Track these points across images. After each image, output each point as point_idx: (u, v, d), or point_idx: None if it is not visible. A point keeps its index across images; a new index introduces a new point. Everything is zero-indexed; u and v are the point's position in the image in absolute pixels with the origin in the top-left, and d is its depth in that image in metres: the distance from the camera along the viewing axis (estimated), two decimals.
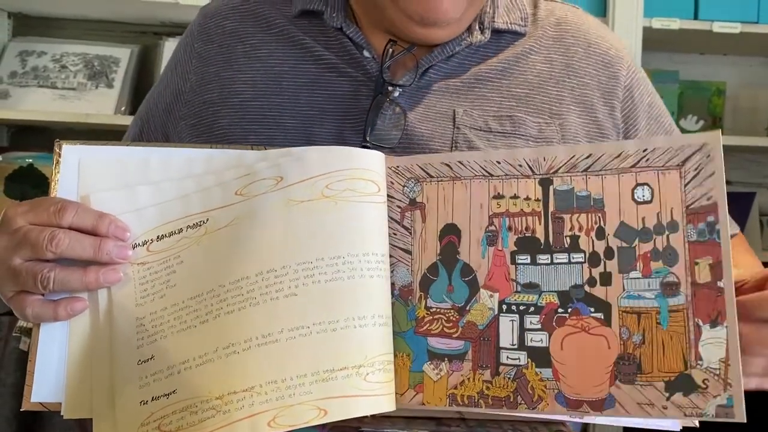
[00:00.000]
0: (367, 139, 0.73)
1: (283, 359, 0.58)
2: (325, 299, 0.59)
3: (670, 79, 2.08)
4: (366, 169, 0.64)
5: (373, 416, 0.61)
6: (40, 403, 0.61)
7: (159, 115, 0.86)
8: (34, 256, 0.61)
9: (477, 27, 0.79)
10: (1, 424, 1.51)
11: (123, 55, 1.93)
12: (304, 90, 0.77)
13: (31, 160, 1.85)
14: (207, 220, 0.63)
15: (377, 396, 0.58)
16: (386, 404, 0.59)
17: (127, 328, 0.61)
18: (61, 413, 0.61)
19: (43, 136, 1.93)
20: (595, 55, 0.82)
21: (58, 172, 0.65)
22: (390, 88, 0.75)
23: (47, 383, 0.61)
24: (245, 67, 0.80)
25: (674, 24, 1.85)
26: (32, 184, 1.82)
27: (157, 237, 0.63)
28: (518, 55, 0.80)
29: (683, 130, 2.09)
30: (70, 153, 0.65)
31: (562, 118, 0.78)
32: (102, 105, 1.85)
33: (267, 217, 0.62)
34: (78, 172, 0.65)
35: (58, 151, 0.66)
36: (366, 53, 0.77)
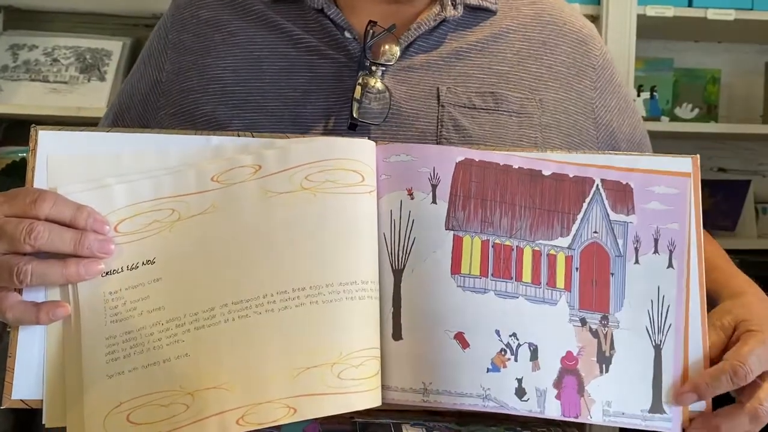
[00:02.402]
0: (354, 115, 0.73)
1: (255, 356, 0.58)
2: (300, 296, 0.59)
3: (664, 67, 2.07)
4: (349, 159, 0.63)
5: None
6: (21, 401, 0.60)
7: (135, 106, 0.85)
8: (11, 250, 0.59)
9: (449, 2, 0.80)
10: None
11: (115, 48, 1.91)
12: (284, 73, 0.77)
13: (23, 155, 1.84)
14: (180, 205, 0.62)
15: (351, 393, 0.58)
16: (363, 401, 0.58)
17: (96, 313, 0.60)
18: (43, 422, 0.60)
19: None
20: (570, 33, 0.84)
21: (34, 159, 0.63)
22: (373, 68, 0.76)
23: (28, 381, 0.60)
24: (224, 54, 0.80)
25: (668, 11, 1.85)
26: (25, 179, 1.81)
27: (126, 217, 0.62)
28: (496, 35, 0.81)
29: (678, 119, 2.09)
30: (47, 140, 0.63)
31: (541, 94, 0.80)
32: (94, 98, 1.84)
33: (243, 209, 0.61)
34: (47, 164, 0.63)
35: (34, 137, 0.63)
36: (347, 34, 0.78)
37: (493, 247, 0.65)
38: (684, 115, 2.09)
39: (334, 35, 0.78)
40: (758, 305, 0.71)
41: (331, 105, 0.76)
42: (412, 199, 0.65)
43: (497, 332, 0.63)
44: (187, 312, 0.60)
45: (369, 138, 0.72)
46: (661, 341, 0.66)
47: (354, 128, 0.73)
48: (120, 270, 0.61)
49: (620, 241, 0.67)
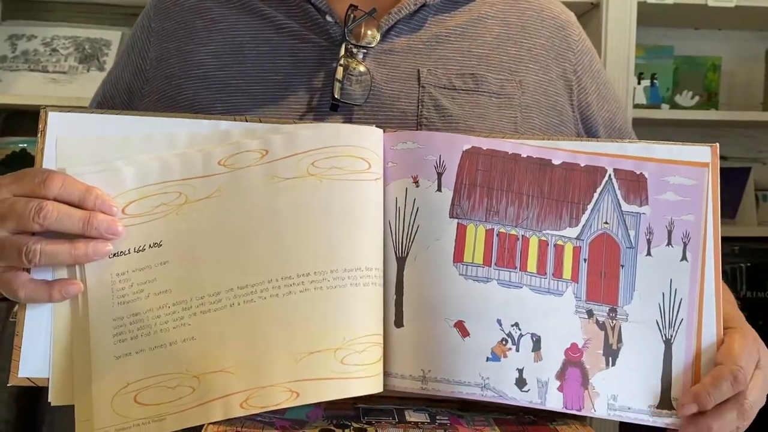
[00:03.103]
0: (336, 96, 0.73)
1: (259, 341, 0.58)
2: (304, 281, 0.59)
3: (665, 55, 2.07)
4: (355, 146, 0.63)
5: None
6: (28, 378, 0.61)
7: (120, 95, 0.86)
8: (20, 229, 0.59)
9: None
10: (1, 408, 1.51)
11: (114, 37, 1.91)
12: (267, 58, 0.78)
13: (23, 145, 1.84)
14: (187, 188, 0.62)
15: (354, 379, 0.58)
16: (365, 387, 0.59)
17: (104, 295, 0.61)
18: (48, 399, 0.60)
19: (35, 121, 1.91)
20: (548, 18, 0.85)
21: (44, 140, 0.63)
22: (354, 51, 0.77)
23: (35, 359, 0.61)
24: (206, 40, 0.80)
25: None
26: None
27: (134, 199, 0.62)
28: (474, 20, 0.82)
29: (678, 106, 2.08)
30: (57, 121, 0.64)
31: (521, 75, 0.80)
32: (94, 88, 1.80)
33: (249, 194, 0.62)
34: (56, 145, 0.63)
35: (44, 118, 0.64)
36: (329, 18, 0.79)
37: (497, 236, 0.64)
38: (684, 103, 2.09)
39: (316, 19, 0.79)
40: (729, 309, 0.70)
41: (313, 88, 0.76)
42: (417, 186, 0.65)
43: (498, 321, 0.63)
44: (194, 296, 0.60)
45: (351, 119, 0.73)
46: (671, 336, 0.64)
47: (336, 109, 0.74)
48: (127, 252, 0.62)
49: (632, 233, 0.65)
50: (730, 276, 1.83)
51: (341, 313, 0.60)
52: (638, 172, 0.66)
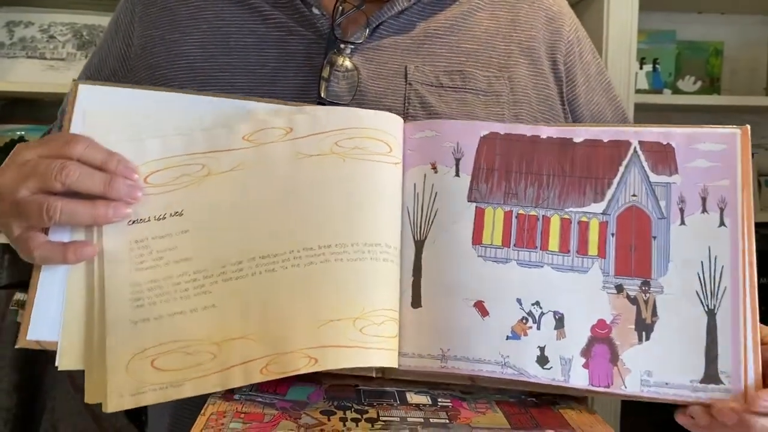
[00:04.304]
0: (322, 95, 0.73)
1: (280, 309, 0.59)
2: (325, 252, 0.60)
3: (667, 40, 2.06)
4: (376, 129, 0.64)
5: (373, 377, 0.61)
6: (37, 341, 0.60)
7: (105, 81, 0.84)
8: (42, 187, 0.60)
9: None
10: (1, 396, 1.51)
11: None
12: (253, 50, 0.77)
13: (21, 133, 1.83)
14: (210, 161, 0.63)
15: (373, 349, 0.58)
16: (382, 359, 0.59)
17: (121, 261, 0.61)
18: (56, 364, 0.60)
19: (33, 108, 1.90)
20: (540, 9, 0.83)
21: (71, 111, 0.65)
22: (342, 46, 0.75)
23: (45, 322, 0.61)
24: (191, 29, 0.79)
25: None
26: None
27: (157, 170, 0.63)
28: (465, 13, 0.81)
29: (681, 92, 2.07)
30: (86, 93, 0.66)
31: (511, 71, 0.79)
32: None
33: (273, 168, 0.63)
34: (83, 117, 0.65)
35: (74, 90, 0.66)
36: (316, 10, 0.77)
37: (516, 217, 0.64)
38: (686, 88, 2.08)
39: (303, 12, 0.77)
40: None
41: (301, 82, 0.75)
42: (436, 172, 0.65)
43: (518, 301, 0.62)
44: (215, 264, 0.61)
45: None
46: (714, 306, 0.61)
47: None
48: (147, 219, 0.62)
49: (662, 203, 0.63)
50: None
51: (361, 284, 0.60)
52: (665, 143, 0.64)
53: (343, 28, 0.77)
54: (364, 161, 0.63)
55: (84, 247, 0.61)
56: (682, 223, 0.63)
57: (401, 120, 0.67)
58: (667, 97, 1.99)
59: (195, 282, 0.60)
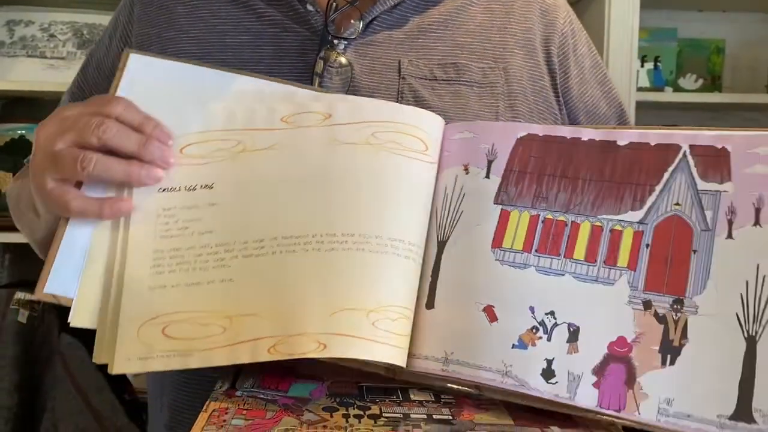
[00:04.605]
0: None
1: (295, 291, 0.58)
2: (348, 240, 0.60)
3: (668, 38, 2.06)
4: (415, 126, 0.64)
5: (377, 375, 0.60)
6: (53, 295, 0.60)
7: (103, 82, 0.85)
8: (79, 141, 0.61)
9: None
10: (2, 395, 1.51)
11: None
12: (248, 47, 0.77)
13: (22, 132, 1.83)
14: (246, 138, 0.64)
15: (381, 344, 0.57)
16: (391, 355, 0.58)
17: (147, 225, 0.61)
18: (68, 320, 0.59)
19: (33, 107, 1.91)
20: (534, 2, 0.84)
21: (119, 79, 0.66)
22: (335, 42, 0.76)
23: (64, 277, 0.60)
24: (187, 27, 0.80)
25: None
26: (24, 156, 1.80)
27: (195, 142, 0.64)
28: (458, 8, 0.81)
29: (682, 90, 2.07)
30: (136, 63, 0.67)
31: (506, 62, 0.79)
32: None
33: (307, 151, 0.63)
34: (131, 86, 0.66)
35: (124, 59, 0.67)
36: (309, 7, 0.77)
37: (542, 222, 0.61)
38: (688, 86, 2.07)
39: (298, 8, 0.78)
40: None
41: (295, 79, 0.75)
42: (467, 173, 0.64)
43: (531, 309, 0.58)
44: (238, 239, 0.61)
45: None
46: (756, 332, 0.53)
47: None
48: (177, 189, 0.63)
49: (708, 213, 0.57)
50: None
51: (380, 278, 0.59)
52: (719, 146, 0.58)
53: (337, 24, 0.77)
54: (398, 155, 0.63)
55: (120, 203, 0.61)
56: (729, 236, 0.56)
57: (443, 121, 0.66)
58: (668, 95, 1.99)
59: (215, 255, 0.60)
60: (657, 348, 0.55)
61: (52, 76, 1.82)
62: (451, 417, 0.57)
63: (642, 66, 2.00)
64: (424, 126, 0.65)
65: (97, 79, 0.86)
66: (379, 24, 0.78)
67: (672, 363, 0.54)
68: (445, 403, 0.60)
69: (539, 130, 0.64)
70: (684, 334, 0.55)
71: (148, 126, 0.62)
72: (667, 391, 0.53)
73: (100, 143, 0.60)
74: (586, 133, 0.63)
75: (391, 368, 0.60)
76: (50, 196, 0.62)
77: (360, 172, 0.62)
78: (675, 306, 0.55)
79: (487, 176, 0.63)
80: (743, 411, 0.52)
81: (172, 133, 0.63)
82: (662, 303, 0.56)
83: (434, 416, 0.57)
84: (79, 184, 0.63)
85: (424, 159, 0.64)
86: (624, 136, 0.62)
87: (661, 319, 0.55)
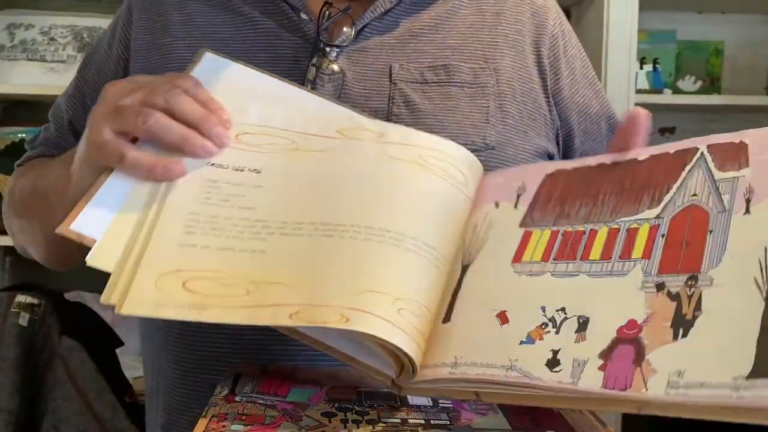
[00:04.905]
0: None
1: (326, 270, 0.58)
2: (384, 235, 0.60)
3: (667, 39, 2.06)
4: (459, 160, 0.68)
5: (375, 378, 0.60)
6: (78, 234, 0.59)
7: (107, 83, 0.85)
8: (146, 101, 0.62)
9: None
10: (3, 398, 1.51)
11: None
12: (243, 56, 0.77)
13: (22, 135, 1.83)
14: (301, 139, 0.67)
15: (402, 331, 0.56)
16: (409, 345, 0.57)
17: (188, 192, 0.62)
18: (86, 259, 0.58)
19: (34, 111, 1.91)
20: (525, 3, 0.84)
21: (191, 71, 0.69)
22: (327, 49, 0.77)
23: (93, 220, 0.60)
24: (183, 34, 0.81)
25: None
26: None
27: (251, 132, 0.67)
28: (449, 11, 0.81)
29: (681, 91, 2.07)
30: (209, 62, 0.70)
31: (497, 62, 0.80)
32: None
33: (356, 156, 0.66)
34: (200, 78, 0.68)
35: (200, 56, 0.70)
36: (303, 15, 0.78)
37: (562, 235, 0.61)
38: (687, 88, 2.08)
39: (291, 17, 0.79)
40: None
41: None
42: (497, 208, 0.66)
43: (542, 308, 0.58)
44: (277, 219, 0.62)
45: None
46: None
47: None
48: (226, 166, 0.64)
49: (726, 197, 0.56)
50: None
51: (410, 273, 0.60)
52: (737, 141, 0.59)
53: (329, 32, 0.77)
54: (443, 179, 0.66)
55: (174, 165, 0.62)
56: (747, 212, 0.55)
57: (481, 166, 0.69)
58: (667, 97, 1.99)
59: (252, 228, 0.61)
60: (668, 324, 0.53)
61: (52, 79, 1.83)
62: (449, 422, 0.57)
63: (641, 68, 2.01)
64: (468, 164, 0.68)
65: (99, 83, 0.86)
66: (370, 30, 0.79)
67: (684, 335, 0.52)
68: (443, 408, 0.60)
69: (568, 165, 0.66)
70: (698, 306, 0.53)
71: (213, 105, 0.65)
72: (678, 363, 0.51)
73: (165, 105, 0.62)
74: (610, 158, 0.64)
75: (395, 384, 0.60)
76: (106, 146, 0.62)
77: (405, 181, 0.64)
78: (689, 282, 0.54)
79: (515, 207, 0.65)
80: (762, 368, 0.48)
81: (233, 119, 0.66)
82: (675, 282, 0.54)
83: (432, 421, 0.57)
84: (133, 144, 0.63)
85: (463, 190, 0.67)
86: (644, 152, 0.63)
87: (674, 297, 0.54)
